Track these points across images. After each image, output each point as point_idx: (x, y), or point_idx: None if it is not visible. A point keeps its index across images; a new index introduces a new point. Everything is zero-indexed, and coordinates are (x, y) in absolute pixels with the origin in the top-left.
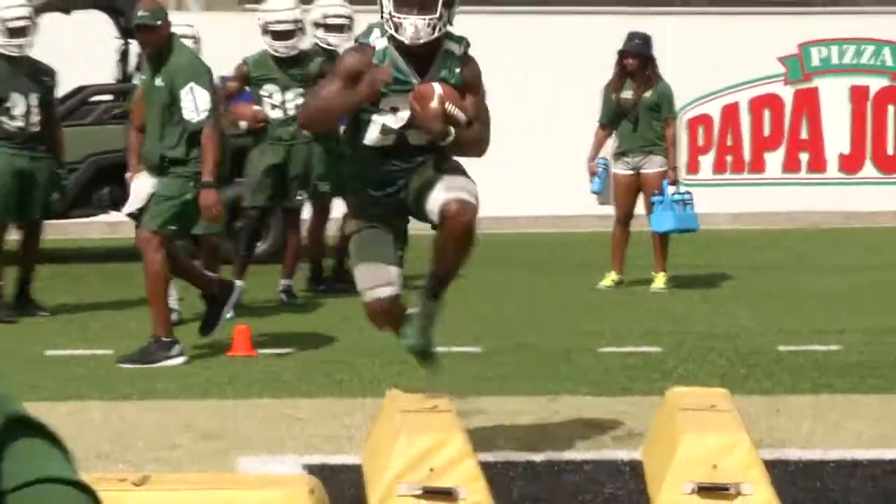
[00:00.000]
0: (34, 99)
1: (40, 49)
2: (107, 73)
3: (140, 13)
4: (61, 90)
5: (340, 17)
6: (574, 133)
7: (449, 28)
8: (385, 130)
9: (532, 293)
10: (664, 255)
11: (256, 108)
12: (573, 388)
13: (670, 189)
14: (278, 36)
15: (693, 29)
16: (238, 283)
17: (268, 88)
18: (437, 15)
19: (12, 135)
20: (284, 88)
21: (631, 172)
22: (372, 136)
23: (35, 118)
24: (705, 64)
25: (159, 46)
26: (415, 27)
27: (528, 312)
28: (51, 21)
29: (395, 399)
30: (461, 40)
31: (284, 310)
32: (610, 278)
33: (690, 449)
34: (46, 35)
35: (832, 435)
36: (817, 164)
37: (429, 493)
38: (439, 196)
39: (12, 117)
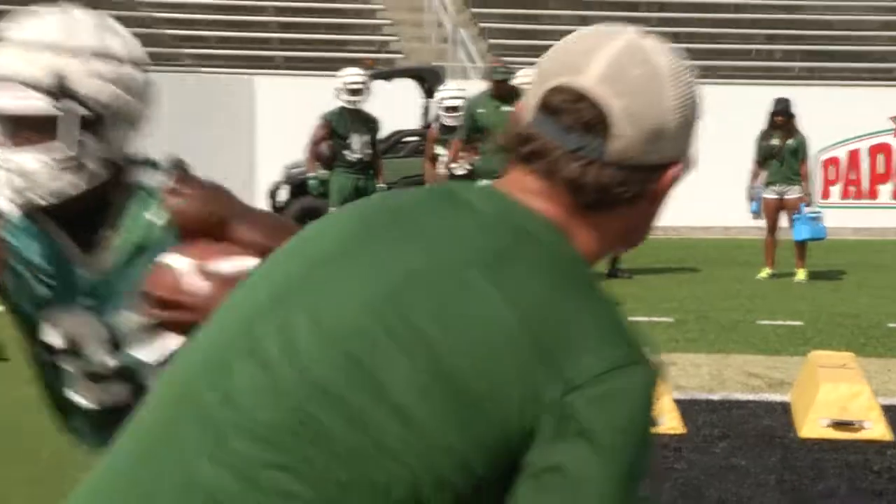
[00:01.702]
0: (365, 138)
1: (374, 104)
2: (413, 121)
3: (500, 69)
4: (384, 133)
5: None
6: (739, 169)
7: None
8: None
9: (710, 280)
10: (803, 256)
11: None
12: (740, 349)
13: (806, 210)
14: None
15: (827, 96)
16: None
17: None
18: None
19: (352, 163)
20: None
21: (777, 197)
22: None
23: (367, 151)
24: (837, 119)
25: (509, 91)
26: None
27: (707, 294)
28: (380, 85)
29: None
30: None
31: None
32: (765, 271)
33: (827, 395)
34: (378, 95)
35: None
36: None
37: None
38: None
39: (352, 151)
